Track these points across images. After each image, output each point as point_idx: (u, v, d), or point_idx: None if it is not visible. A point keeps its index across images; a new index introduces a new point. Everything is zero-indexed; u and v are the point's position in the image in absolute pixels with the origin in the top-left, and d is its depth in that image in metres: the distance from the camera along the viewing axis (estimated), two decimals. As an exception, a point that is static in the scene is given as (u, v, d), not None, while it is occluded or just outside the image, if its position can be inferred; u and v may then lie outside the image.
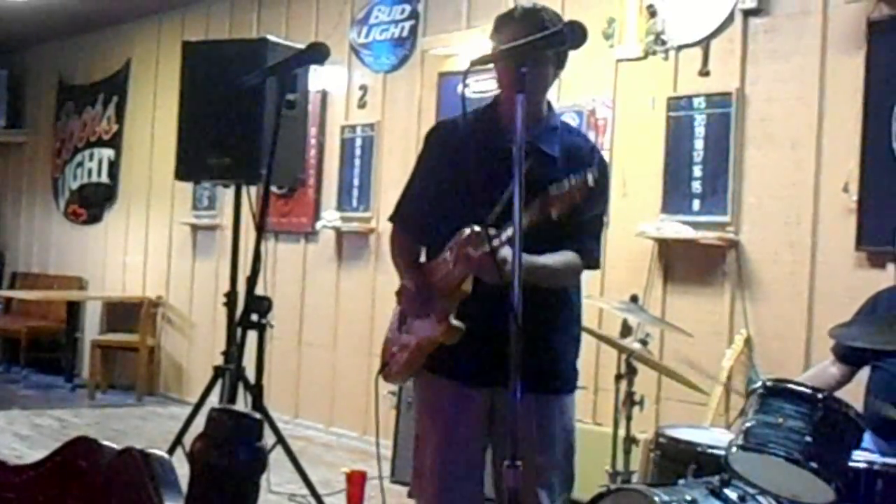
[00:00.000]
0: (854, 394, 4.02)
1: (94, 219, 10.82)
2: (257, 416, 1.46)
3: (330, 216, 7.98)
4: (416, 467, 3.32)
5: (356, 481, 5.64)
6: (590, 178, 2.81)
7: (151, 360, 9.62)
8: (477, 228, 2.92)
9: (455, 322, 2.98)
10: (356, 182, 7.88)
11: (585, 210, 3.10)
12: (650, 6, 6.02)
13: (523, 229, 2.53)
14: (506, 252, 2.81)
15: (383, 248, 7.52)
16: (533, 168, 2.89)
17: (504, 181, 2.72)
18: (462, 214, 3.00)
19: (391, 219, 3.40)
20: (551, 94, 3.36)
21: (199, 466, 1.44)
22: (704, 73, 5.79)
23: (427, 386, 3.29)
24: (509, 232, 2.80)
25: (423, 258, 3.32)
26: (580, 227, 3.14)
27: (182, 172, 5.84)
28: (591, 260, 3.22)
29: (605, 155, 6.03)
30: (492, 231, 2.87)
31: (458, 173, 3.07)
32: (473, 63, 2.68)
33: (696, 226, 5.69)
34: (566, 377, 3.28)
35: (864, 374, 4.18)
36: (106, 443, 1.58)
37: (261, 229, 3.59)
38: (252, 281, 3.66)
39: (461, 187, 3.00)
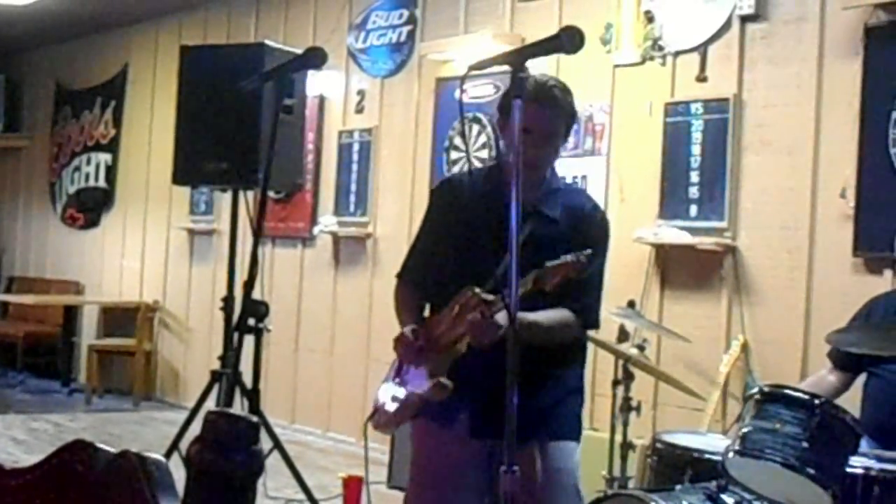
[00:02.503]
0: (851, 400, 4.02)
1: (92, 223, 10.82)
2: (254, 419, 1.45)
3: (327, 221, 7.98)
4: None
5: (353, 487, 5.63)
6: (583, 258, 2.85)
7: (148, 364, 9.61)
8: (476, 290, 2.93)
9: (444, 381, 3.00)
10: (353, 187, 7.88)
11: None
12: (648, 12, 6.03)
13: (518, 298, 2.55)
14: (501, 318, 2.83)
15: (380, 253, 7.53)
16: (535, 231, 2.98)
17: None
18: (467, 271, 3.02)
19: (398, 275, 3.41)
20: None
21: (195, 469, 1.44)
22: (702, 78, 5.80)
23: (427, 435, 3.29)
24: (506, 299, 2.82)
25: (427, 314, 3.33)
26: (581, 286, 3.12)
27: (179, 177, 5.83)
28: (589, 318, 3.23)
29: (603, 160, 6.07)
30: (489, 297, 2.88)
31: (464, 229, 3.09)
32: (471, 68, 2.67)
33: (693, 231, 5.69)
34: (569, 425, 3.27)
35: (861, 379, 4.19)
36: (102, 446, 1.58)
37: (258, 234, 3.59)
38: (249, 285, 3.65)
39: (467, 243, 3.02)
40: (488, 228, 2.95)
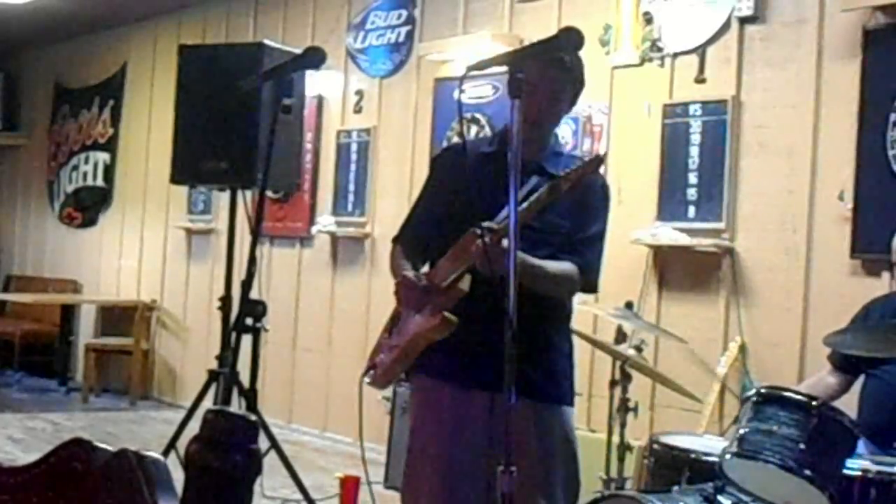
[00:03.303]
0: (848, 402, 4.02)
1: (89, 222, 10.81)
2: (253, 417, 1.45)
3: (325, 221, 7.98)
4: (409, 471, 3.31)
5: (350, 486, 5.63)
6: (602, 154, 2.87)
7: (145, 363, 9.61)
8: (477, 230, 2.93)
9: (448, 315, 2.98)
10: (351, 187, 7.88)
11: (588, 222, 3.17)
12: (647, 13, 6.03)
13: (532, 215, 2.64)
14: (506, 244, 2.83)
15: (378, 253, 7.53)
16: (538, 186, 2.98)
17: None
18: (467, 228, 3.01)
19: (394, 239, 3.41)
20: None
21: (193, 468, 1.44)
22: (700, 80, 5.80)
23: (425, 389, 3.29)
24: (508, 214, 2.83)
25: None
26: (583, 242, 3.17)
27: (177, 176, 5.83)
28: (590, 277, 3.22)
29: (601, 161, 6.05)
30: (494, 225, 2.88)
31: (466, 188, 3.08)
32: (470, 69, 2.68)
33: (691, 233, 5.69)
34: (564, 388, 3.27)
35: (859, 381, 4.19)
36: (101, 444, 1.58)
37: (256, 233, 3.59)
38: (247, 285, 3.66)
39: (469, 201, 3.01)
40: (490, 187, 2.95)
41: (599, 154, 2.97)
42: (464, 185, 3.08)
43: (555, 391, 3.23)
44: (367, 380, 3.28)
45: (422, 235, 3.34)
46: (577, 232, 3.16)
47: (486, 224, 2.87)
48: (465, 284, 2.99)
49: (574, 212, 3.11)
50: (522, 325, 2.45)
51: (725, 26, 5.70)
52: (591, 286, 3.27)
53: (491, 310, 2.70)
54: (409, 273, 3.19)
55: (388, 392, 5.88)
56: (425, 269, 3.30)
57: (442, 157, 3.51)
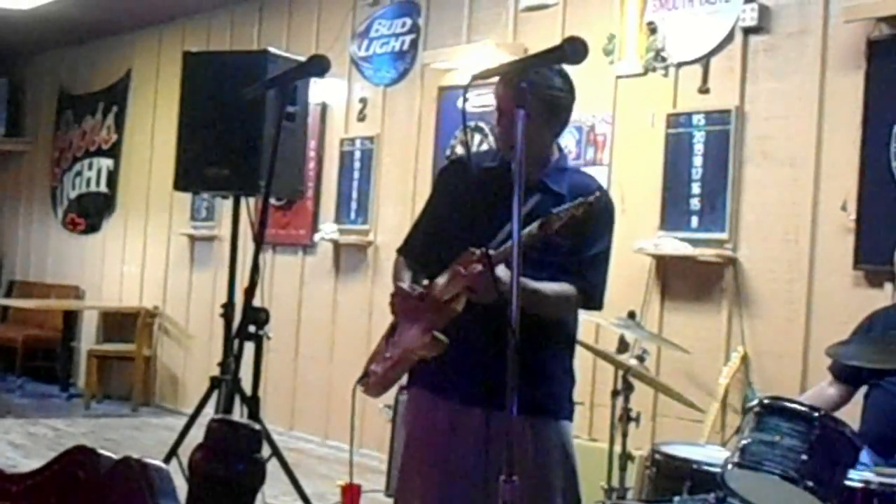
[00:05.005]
0: (851, 412, 4.02)
1: (92, 228, 10.82)
2: (257, 426, 1.45)
3: (328, 229, 7.98)
4: (402, 485, 3.31)
5: (351, 494, 5.62)
6: (592, 198, 2.83)
7: (147, 370, 9.61)
8: (475, 250, 2.93)
9: (438, 335, 2.98)
10: (355, 195, 7.89)
11: (589, 241, 3.13)
12: (651, 23, 6.03)
13: (522, 247, 2.55)
14: (501, 271, 2.82)
15: (381, 261, 7.53)
16: (540, 204, 2.98)
17: (511, 216, 2.72)
18: (468, 245, 3.01)
19: (399, 250, 3.41)
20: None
21: (198, 476, 1.44)
22: (704, 90, 5.80)
23: (421, 402, 3.29)
24: (507, 246, 2.82)
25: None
26: (584, 263, 3.14)
27: (181, 183, 5.84)
28: (592, 297, 3.19)
29: (604, 171, 6.06)
30: (491, 251, 2.87)
31: (468, 204, 3.08)
32: (475, 77, 2.68)
33: (694, 243, 5.69)
34: (562, 403, 3.26)
35: (862, 391, 4.19)
36: (104, 452, 1.58)
37: (259, 241, 3.59)
38: (250, 292, 3.65)
39: (470, 217, 3.01)
40: (492, 203, 2.94)
41: (590, 200, 2.88)
42: (466, 200, 3.07)
43: (553, 406, 3.21)
44: (360, 387, 3.29)
45: (425, 249, 3.33)
46: (578, 251, 3.11)
47: (482, 251, 2.85)
48: (458, 304, 3.00)
49: (576, 231, 3.04)
50: (521, 342, 2.44)
51: (729, 37, 5.70)
52: (594, 305, 3.24)
53: (489, 327, 2.71)
54: (404, 284, 3.20)
55: (390, 400, 5.87)
56: (426, 283, 3.30)
57: (446, 171, 3.52)
